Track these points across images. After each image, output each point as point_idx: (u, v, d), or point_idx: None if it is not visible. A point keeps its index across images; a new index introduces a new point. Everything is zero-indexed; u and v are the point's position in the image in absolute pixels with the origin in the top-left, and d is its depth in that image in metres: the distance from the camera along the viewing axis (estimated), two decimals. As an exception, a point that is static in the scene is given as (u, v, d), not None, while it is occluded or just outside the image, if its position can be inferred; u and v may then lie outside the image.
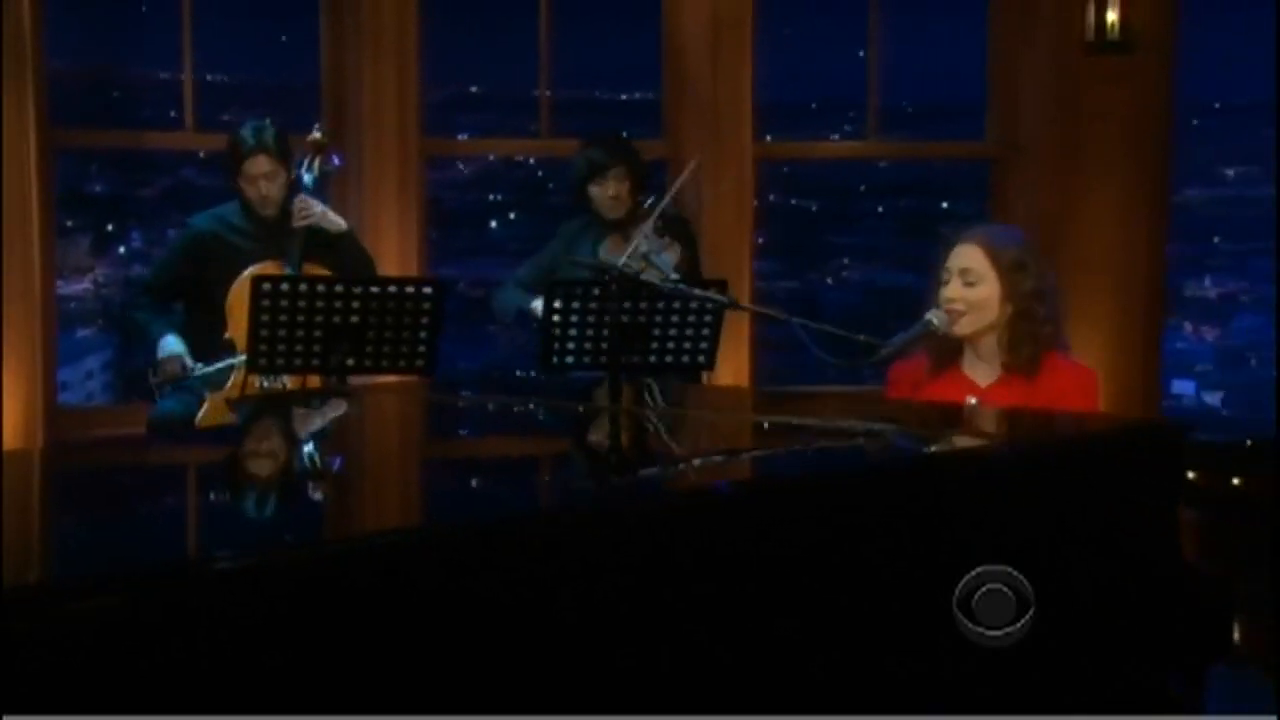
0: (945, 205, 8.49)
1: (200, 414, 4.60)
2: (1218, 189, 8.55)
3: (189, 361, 4.69)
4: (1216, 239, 8.54)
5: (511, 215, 8.07)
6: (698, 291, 3.84)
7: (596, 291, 4.17)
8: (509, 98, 7.24)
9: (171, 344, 4.73)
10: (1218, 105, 8.45)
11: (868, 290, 8.43)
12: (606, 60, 7.31)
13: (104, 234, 7.17)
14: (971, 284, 3.32)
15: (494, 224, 8.07)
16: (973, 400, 3.30)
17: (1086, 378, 3.39)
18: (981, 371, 3.40)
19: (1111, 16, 5.89)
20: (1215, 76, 7.80)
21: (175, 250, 4.98)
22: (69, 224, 6.53)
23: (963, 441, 3.01)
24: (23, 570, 1.76)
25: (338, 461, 2.93)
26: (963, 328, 3.34)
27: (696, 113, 5.96)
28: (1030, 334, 3.32)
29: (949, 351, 3.40)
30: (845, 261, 8.50)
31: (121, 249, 7.29)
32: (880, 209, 8.50)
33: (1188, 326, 8.42)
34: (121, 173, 7.15)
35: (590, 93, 7.37)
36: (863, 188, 8.40)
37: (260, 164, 4.76)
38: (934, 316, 3.32)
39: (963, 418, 3.18)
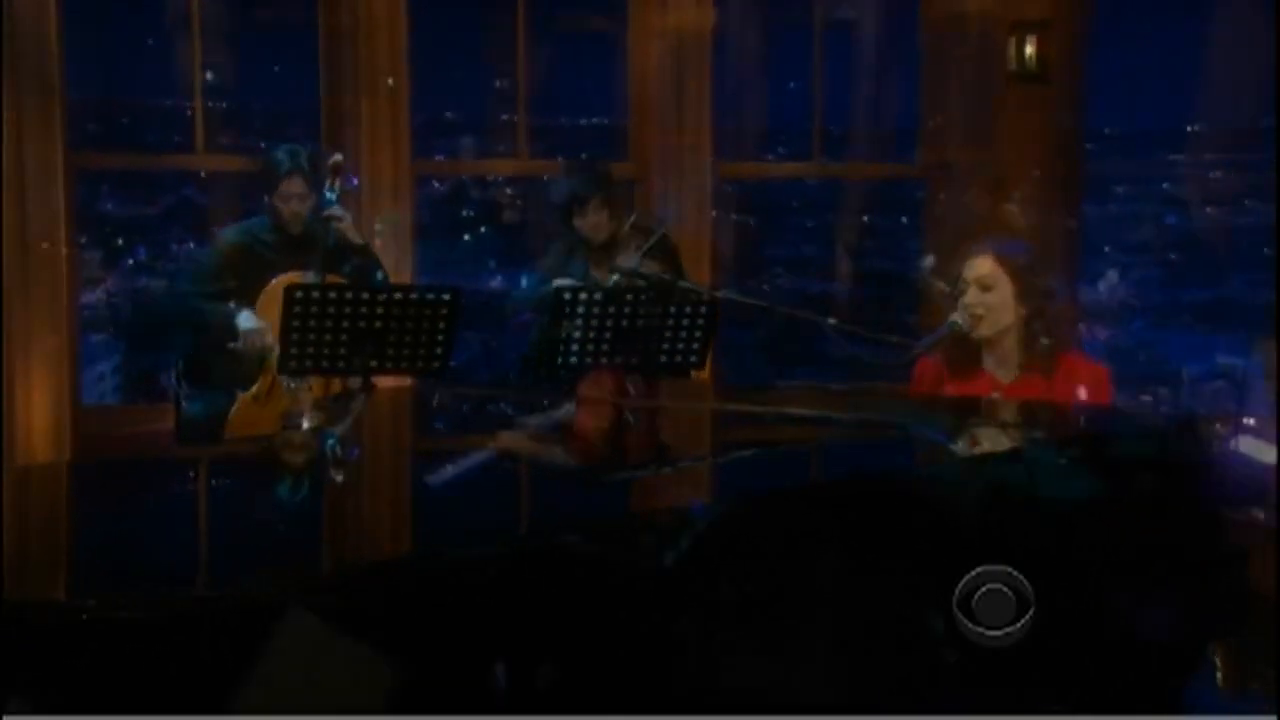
0: (865, 219, 8.65)
1: (231, 412, 4.61)
2: (1109, 206, 8.77)
3: (270, 338, 4.52)
4: (1107, 249, 8.75)
5: (481, 229, 8.12)
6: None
7: (599, 297, 4.24)
8: (480, 123, 7.29)
9: (251, 319, 4.62)
10: (1107, 131, 8.67)
11: (800, 297, 8.56)
12: (567, 90, 7.38)
13: (114, 249, 7.15)
14: (988, 288, 3.40)
15: (466, 237, 8.12)
16: (996, 396, 3.39)
17: (1099, 374, 3.46)
18: (1002, 373, 3.47)
19: (1029, 50, 6.09)
20: (1106, 107, 8.01)
21: (213, 257, 4.95)
22: (83, 240, 6.48)
23: (981, 436, 3.02)
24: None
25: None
26: (983, 330, 3.41)
27: (660, 136, 6.04)
28: (1045, 329, 3.39)
29: (970, 356, 3.47)
30: (779, 272, 8.62)
31: (130, 262, 7.28)
32: (809, 224, 8.63)
33: (1083, 328, 8.61)
34: (129, 192, 7.13)
35: (555, 119, 7.43)
36: (795, 204, 8.53)
37: (296, 185, 4.83)
38: (958, 318, 3.41)
39: (981, 411, 3.20)
